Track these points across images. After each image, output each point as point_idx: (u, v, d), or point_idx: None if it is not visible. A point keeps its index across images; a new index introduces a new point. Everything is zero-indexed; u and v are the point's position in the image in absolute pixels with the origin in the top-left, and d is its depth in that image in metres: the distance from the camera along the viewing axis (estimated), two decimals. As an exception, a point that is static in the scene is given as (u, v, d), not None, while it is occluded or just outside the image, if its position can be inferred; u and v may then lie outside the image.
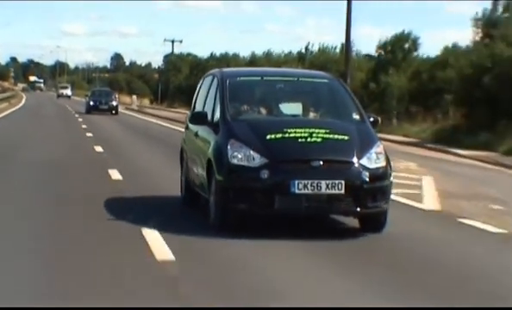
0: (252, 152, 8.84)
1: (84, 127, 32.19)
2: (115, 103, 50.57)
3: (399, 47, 42.25)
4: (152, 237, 8.63)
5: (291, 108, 10.08)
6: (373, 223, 9.21)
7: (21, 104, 62.15)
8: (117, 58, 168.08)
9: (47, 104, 65.87)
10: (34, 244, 8.21)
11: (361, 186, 8.81)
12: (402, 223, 9.99)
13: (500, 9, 32.54)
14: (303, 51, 60.57)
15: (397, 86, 38.78)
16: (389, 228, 9.19)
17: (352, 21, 33.77)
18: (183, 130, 12.63)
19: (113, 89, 63.24)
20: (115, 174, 14.58)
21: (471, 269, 7.77)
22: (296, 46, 79.16)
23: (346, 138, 9.17)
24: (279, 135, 9.04)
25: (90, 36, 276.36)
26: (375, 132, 9.62)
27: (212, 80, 10.53)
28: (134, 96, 79.37)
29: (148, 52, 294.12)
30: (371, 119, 9.82)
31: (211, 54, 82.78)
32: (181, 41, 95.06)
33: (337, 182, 8.69)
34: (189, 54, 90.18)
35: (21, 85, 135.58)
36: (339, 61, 44.37)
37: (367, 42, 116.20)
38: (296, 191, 8.64)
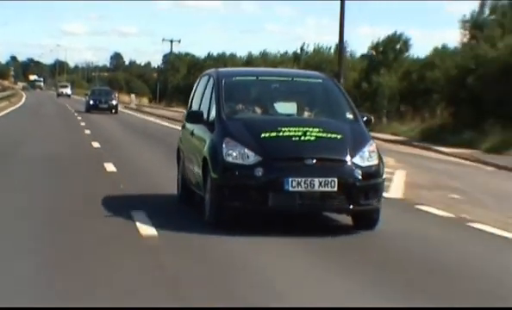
0: (246, 151, 8.81)
1: (82, 124, 32.46)
2: (114, 102, 49.96)
3: (391, 48, 42.38)
4: (148, 232, 8.59)
5: (286, 108, 10.05)
6: (366, 220, 9.18)
7: (21, 103, 61.94)
8: (117, 57, 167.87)
9: (47, 103, 65.72)
10: (36, 227, 8.52)
11: (354, 184, 8.78)
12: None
13: (486, 11, 32.74)
14: (299, 51, 60.63)
15: (388, 86, 38.95)
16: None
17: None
18: (178, 128, 12.77)
19: (112, 89, 62.95)
20: (109, 166, 15.26)
21: (415, 244, 8.73)
22: (296, 46, 78.89)
23: (339, 136, 9.14)
24: (273, 134, 9.02)
25: (90, 35, 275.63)
26: (368, 131, 9.61)
27: (208, 80, 10.50)
28: (133, 95, 79.37)
29: (148, 52, 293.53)
30: (365, 118, 9.80)
31: (208, 54, 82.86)
32: (179, 41, 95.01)
33: (330, 179, 8.66)
34: (187, 54, 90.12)
35: (21, 84, 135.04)
36: (333, 61, 44.38)
37: (367, 42, 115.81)
38: (290, 189, 8.61)
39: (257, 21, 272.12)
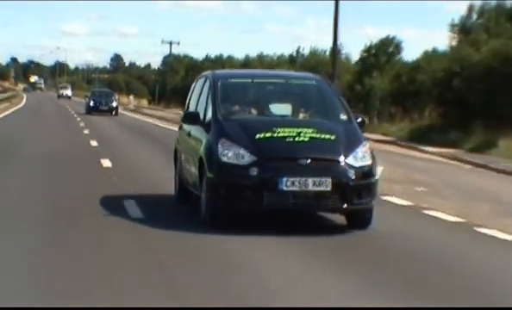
0: (241, 151, 8.77)
1: (81, 125, 32.65)
2: (115, 104, 49.29)
3: (383, 51, 42.56)
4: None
5: (281, 109, 10.01)
6: (359, 220, 9.12)
7: (21, 104, 61.86)
8: (117, 58, 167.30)
9: (48, 104, 65.51)
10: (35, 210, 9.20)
11: (347, 183, 8.74)
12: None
13: (474, 15, 32.96)
14: (295, 54, 60.67)
15: (380, 88, 39.13)
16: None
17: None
18: (174, 128, 12.98)
19: (112, 90, 62.65)
20: (106, 162, 16.10)
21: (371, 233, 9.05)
22: (296, 46, 78.53)
23: (332, 137, 9.10)
24: (268, 134, 8.98)
25: (91, 36, 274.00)
26: (361, 132, 9.57)
27: (205, 81, 10.46)
28: (131, 97, 79.18)
29: (148, 53, 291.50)
30: (359, 119, 9.76)
31: (206, 56, 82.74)
32: (178, 43, 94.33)
33: (324, 179, 8.63)
34: (185, 56, 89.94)
35: (21, 85, 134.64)
36: (329, 63, 44.43)
37: (367, 42, 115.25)
38: (284, 188, 8.57)
39: (257, 22, 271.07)
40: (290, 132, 9.01)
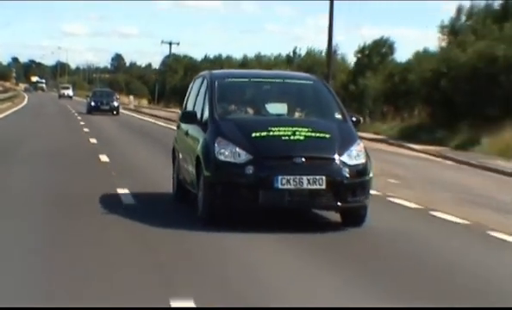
0: (238, 149, 8.72)
1: (82, 123, 32.74)
2: (116, 104, 48.70)
3: (376, 52, 42.66)
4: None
5: (277, 108, 9.96)
6: (353, 217, 9.06)
7: (23, 104, 61.76)
8: (118, 58, 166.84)
9: (49, 104, 65.28)
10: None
11: (341, 181, 8.69)
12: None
13: (463, 17, 33.03)
14: (291, 54, 60.62)
15: (374, 88, 39.20)
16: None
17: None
18: (171, 126, 13.05)
19: (113, 90, 62.45)
20: (103, 157, 16.65)
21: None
22: (295, 46, 78.33)
23: (327, 136, 9.05)
24: (264, 133, 8.93)
25: (91, 36, 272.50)
26: (356, 131, 9.52)
27: (202, 81, 10.41)
28: (131, 97, 79.05)
29: (149, 53, 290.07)
30: (354, 119, 9.71)
31: (205, 56, 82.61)
32: (178, 44, 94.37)
33: (318, 177, 8.57)
34: (185, 56, 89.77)
35: (23, 85, 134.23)
36: (325, 64, 44.41)
37: (361, 43, 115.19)
38: (280, 186, 8.52)
39: (257, 22, 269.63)
40: (285, 131, 8.96)
